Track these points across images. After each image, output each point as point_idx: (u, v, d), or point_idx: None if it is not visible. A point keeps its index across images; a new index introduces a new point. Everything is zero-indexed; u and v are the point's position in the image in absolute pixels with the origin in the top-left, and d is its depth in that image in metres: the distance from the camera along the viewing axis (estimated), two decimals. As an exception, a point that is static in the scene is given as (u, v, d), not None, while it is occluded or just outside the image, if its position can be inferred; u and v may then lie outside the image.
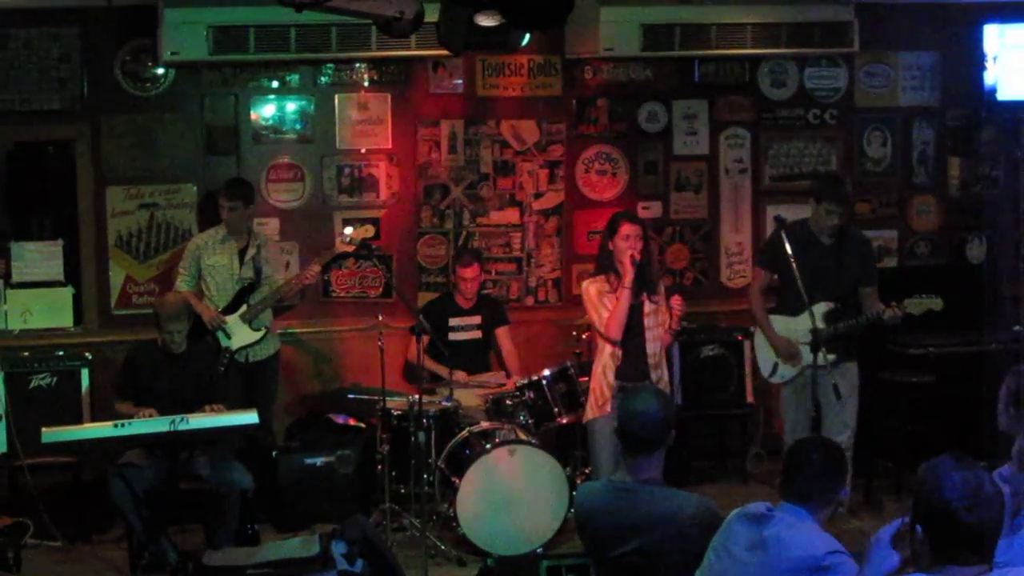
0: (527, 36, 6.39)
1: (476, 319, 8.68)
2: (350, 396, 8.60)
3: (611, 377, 7.31)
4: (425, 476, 7.70)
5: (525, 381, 8.11)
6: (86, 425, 7.55)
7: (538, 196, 9.44)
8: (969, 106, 9.85)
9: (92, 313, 8.91)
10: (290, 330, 8.98)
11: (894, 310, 7.53)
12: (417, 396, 7.62)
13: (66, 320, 8.82)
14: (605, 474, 7.12)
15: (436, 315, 8.56)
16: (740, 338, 9.09)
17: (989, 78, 9.35)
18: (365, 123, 9.17)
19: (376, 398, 7.95)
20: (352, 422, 8.71)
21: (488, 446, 7.60)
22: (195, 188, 8.96)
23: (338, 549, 6.17)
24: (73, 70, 8.73)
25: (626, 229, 7.26)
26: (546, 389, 8.04)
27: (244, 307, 8.32)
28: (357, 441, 8.40)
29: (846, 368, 7.65)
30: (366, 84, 9.15)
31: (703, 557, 4.39)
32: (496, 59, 9.26)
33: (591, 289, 7.40)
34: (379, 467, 7.90)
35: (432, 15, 5.82)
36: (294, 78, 9.08)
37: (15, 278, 8.72)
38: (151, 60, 8.77)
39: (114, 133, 8.85)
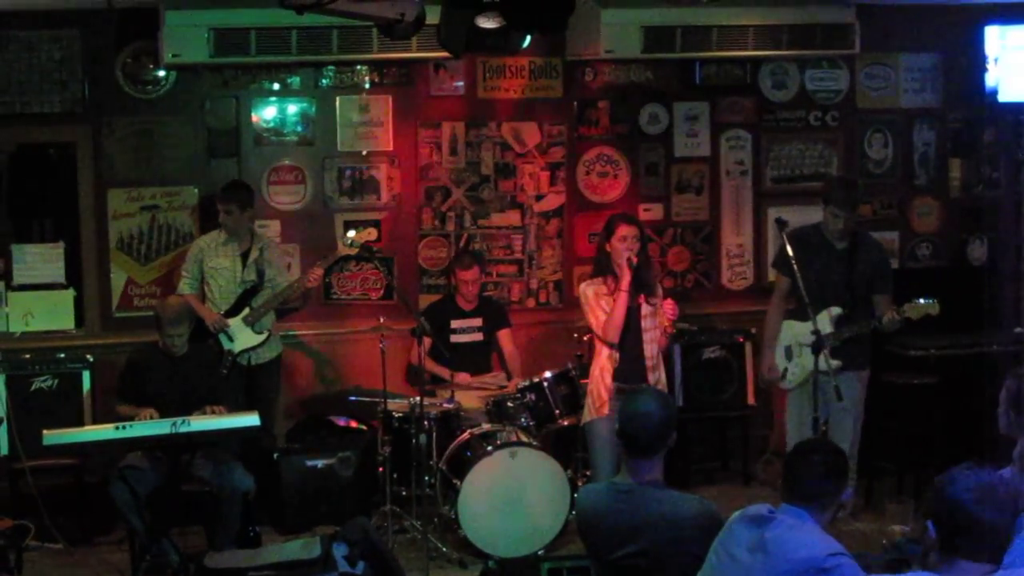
0: (528, 38, 6.40)
1: (477, 321, 8.68)
2: (351, 398, 8.61)
3: (609, 379, 7.30)
4: (426, 478, 7.70)
5: (526, 383, 8.11)
6: (87, 427, 7.55)
7: (539, 198, 9.44)
8: (970, 108, 9.85)
9: (93, 315, 8.91)
10: (292, 332, 8.99)
11: (892, 316, 7.49)
12: (418, 398, 7.62)
13: (67, 322, 8.82)
14: (605, 476, 7.15)
15: (438, 317, 8.56)
16: (741, 340, 9.10)
17: (990, 79, 9.37)
18: (366, 125, 9.17)
19: (377, 400, 7.96)
20: (353, 424, 8.71)
21: (489, 448, 7.60)
22: (196, 190, 8.96)
23: (339, 551, 6.18)
24: (74, 72, 8.73)
25: (623, 231, 7.25)
26: (547, 391, 8.05)
27: (247, 310, 8.32)
28: (358, 443, 8.40)
29: (852, 376, 7.57)
30: (367, 86, 9.16)
31: (704, 559, 4.39)
32: (497, 61, 9.26)
33: (588, 291, 7.40)
34: (380, 469, 7.90)
35: (433, 17, 5.83)
36: (295, 80, 9.08)
37: (16, 280, 8.72)
38: (152, 62, 8.77)
39: (115, 135, 8.86)
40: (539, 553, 7.51)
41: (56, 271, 8.77)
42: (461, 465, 7.67)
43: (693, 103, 9.62)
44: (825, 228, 7.76)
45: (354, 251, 8.39)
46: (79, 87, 8.75)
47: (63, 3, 8.49)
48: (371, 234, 8.49)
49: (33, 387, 8.27)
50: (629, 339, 7.30)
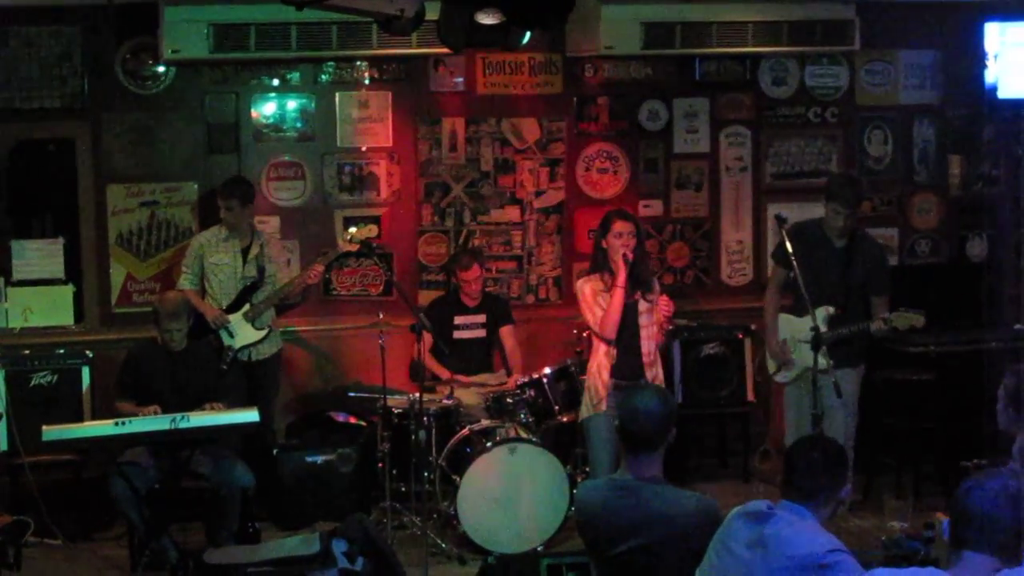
0: (528, 34, 6.38)
1: (481, 318, 8.68)
2: (351, 394, 8.61)
3: (606, 376, 7.32)
4: (426, 474, 7.70)
5: (526, 379, 8.11)
6: (87, 423, 7.55)
7: (539, 194, 9.44)
8: (970, 104, 9.84)
9: (93, 311, 8.91)
10: (291, 328, 8.98)
11: (880, 323, 7.50)
12: (418, 394, 7.62)
13: (67, 318, 8.82)
14: (603, 471, 7.17)
15: (442, 313, 8.56)
16: (741, 336, 9.10)
17: (990, 76, 9.35)
18: (366, 121, 9.17)
19: (377, 396, 7.96)
20: (353, 420, 8.71)
21: (489, 444, 7.61)
22: (196, 186, 8.96)
23: (339, 547, 6.18)
24: (74, 68, 8.73)
25: (618, 227, 7.27)
26: (547, 387, 8.05)
27: (247, 306, 8.32)
28: (358, 439, 8.40)
29: (845, 374, 7.57)
30: (367, 82, 9.15)
31: (703, 555, 4.40)
32: (497, 57, 9.25)
33: (585, 288, 7.42)
34: (380, 465, 7.90)
35: (433, 13, 5.82)
36: (295, 76, 9.08)
37: (16, 276, 8.71)
38: (152, 58, 8.77)
39: (115, 131, 8.85)
40: (538, 549, 7.52)
41: (55, 267, 8.77)
42: (460, 461, 7.68)
43: (693, 99, 9.62)
44: (826, 225, 7.76)
45: (354, 247, 8.39)
46: (79, 83, 8.75)
47: (63, -1, 8.51)
48: (371, 231, 8.48)
49: (32, 383, 8.26)
50: (626, 335, 7.32)
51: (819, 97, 9.79)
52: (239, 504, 7.48)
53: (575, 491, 6.77)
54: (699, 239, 9.72)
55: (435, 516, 7.87)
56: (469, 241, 9.29)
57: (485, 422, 7.89)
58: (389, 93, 9.18)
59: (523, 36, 6.26)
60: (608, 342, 7.32)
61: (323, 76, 9.10)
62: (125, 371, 7.74)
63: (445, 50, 7.13)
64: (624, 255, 7.18)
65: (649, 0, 8.69)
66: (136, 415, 7.24)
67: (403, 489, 7.94)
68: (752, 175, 9.75)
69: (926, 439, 8.51)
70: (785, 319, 7.92)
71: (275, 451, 8.30)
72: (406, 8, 5.55)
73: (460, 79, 9.26)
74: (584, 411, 7.51)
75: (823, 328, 7.37)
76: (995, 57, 9.27)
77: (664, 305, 7.32)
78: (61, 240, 8.79)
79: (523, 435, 7.74)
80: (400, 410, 7.94)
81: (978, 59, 9.39)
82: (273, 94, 9.07)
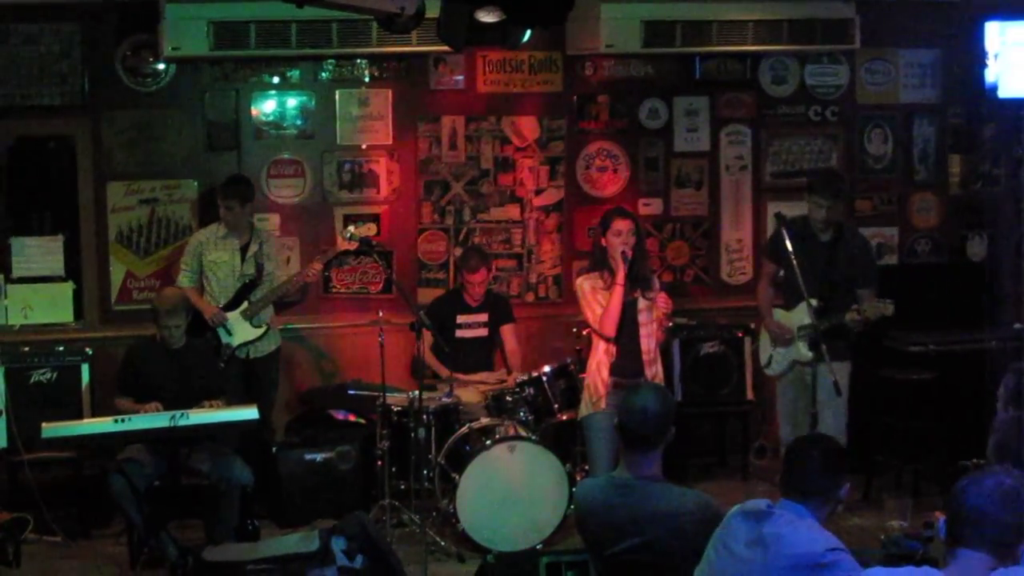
0: (528, 32, 6.38)
1: (483, 317, 8.67)
2: (350, 392, 8.61)
3: (605, 373, 7.33)
4: (425, 472, 7.71)
5: (525, 377, 8.11)
6: (86, 420, 7.56)
7: (539, 192, 9.44)
8: (970, 103, 9.84)
9: (92, 308, 8.91)
10: (291, 326, 8.98)
11: (854, 315, 7.55)
12: (417, 392, 7.62)
13: (66, 315, 8.82)
14: (602, 469, 7.17)
15: (444, 312, 8.56)
16: (740, 335, 9.11)
17: (990, 75, 9.34)
18: (366, 119, 9.17)
19: (376, 394, 7.96)
20: (352, 418, 8.71)
21: (488, 442, 7.60)
22: (196, 184, 8.96)
23: (338, 545, 6.18)
24: (74, 65, 8.73)
25: (618, 225, 7.28)
26: (546, 385, 8.05)
27: (245, 304, 8.32)
28: (357, 437, 8.40)
29: (838, 367, 7.60)
30: (367, 80, 9.15)
31: (703, 554, 4.40)
32: (497, 55, 9.25)
33: (585, 285, 7.43)
34: (379, 463, 7.89)
35: (433, 11, 5.81)
36: (295, 74, 9.08)
37: (15, 273, 8.72)
38: (152, 55, 8.77)
39: (115, 128, 8.85)
40: (537, 547, 7.51)
41: (55, 264, 8.77)
42: (460, 459, 7.68)
43: (693, 98, 9.62)
44: (811, 219, 7.83)
45: (353, 245, 8.39)
46: (79, 80, 8.75)
47: (63, -4, 8.52)
48: (371, 229, 8.50)
49: (32, 380, 8.27)
50: (625, 333, 7.33)
51: (819, 96, 9.79)
52: (238, 501, 7.47)
53: (574, 489, 6.77)
54: (699, 238, 9.72)
55: (434, 514, 7.87)
56: (469, 239, 9.28)
57: (484, 420, 7.89)
58: (389, 91, 9.18)
59: (523, 34, 6.26)
60: (607, 339, 7.32)
61: (323, 74, 9.10)
62: (124, 369, 7.74)
63: (445, 48, 7.13)
64: (623, 252, 7.19)
65: (649, -2, 8.71)
66: (136, 412, 7.24)
67: (402, 487, 7.93)
68: (752, 174, 9.76)
69: (926, 438, 8.50)
70: (776, 314, 8.01)
71: (274, 449, 8.30)
72: (406, 6, 5.54)
73: (460, 77, 9.26)
74: (583, 409, 7.51)
75: (808, 320, 7.45)
76: (995, 56, 9.27)
77: (663, 302, 7.33)
78: (61, 237, 8.79)
79: (523, 433, 7.74)
80: (400, 408, 7.94)
81: (978, 58, 9.38)
82: (273, 92, 9.08)
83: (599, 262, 7.40)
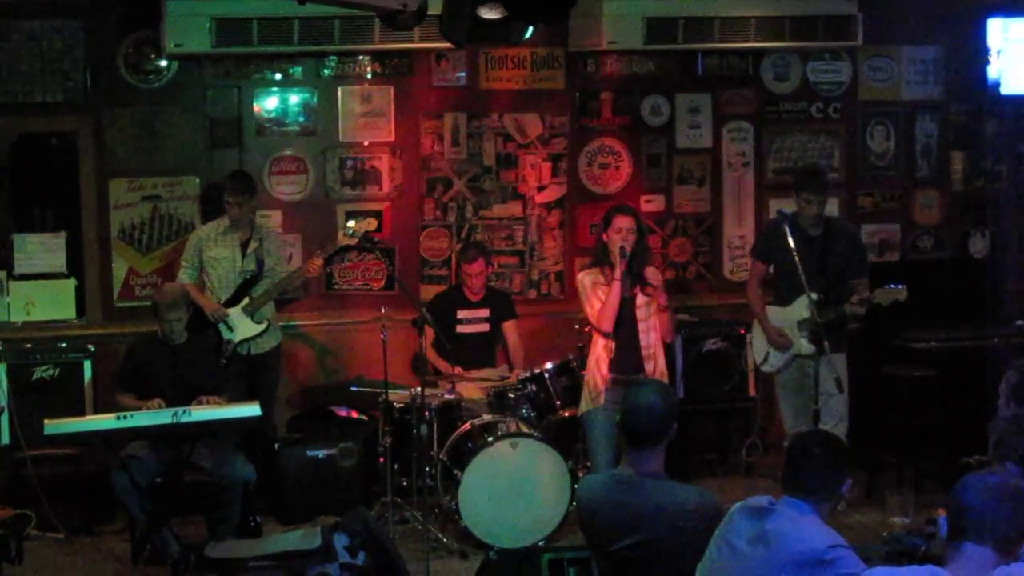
0: (530, 29, 6.38)
1: (484, 312, 8.67)
2: (353, 389, 8.61)
3: (604, 369, 7.37)
4: (427, 469, 7.70)
5: (527, 374, 8.12)
6: (88, 417, 7.54)
7: (541, 189, 9.44)
8: (973, 100, 9.85)
9: (95, 305, 8.92)
10: (293, 323, 8.99)
11: (853, 304, 7.62)
12: (419, 389, 7.63)
13: (69, 312, 8.83)
14: (602, 465, 7.21)
15: (444, 308, 8.56)
16: (742, 331, 9.09)
17: (993, 72, 9.37)
18: (368, 116, 9.17)
19: (379, 391, 7.96)
20: (354, 415, 8.72)
21: (490, 439, 7.61)
22: (198, 180, 8.97)
23: (340, 542, 6.18)
24: (76, 62, 8.73)
25: (619, 222, 7.33)
26: (548, 382, 8.06)
27: (246, 300, 8.32)
28: (359, 434, 8.40)
29: (837, 358, 7.64)
30: (369, 77, 9.15)
31: (704, 550, 4.40)
32: (499, 52, 9.25)
33: (586, 280, 7.49)
34: (381, 460, 7.90)
35: (435, 8, 5.81)
36: (297, 71, 9.08)
37: (18, 270, 8.73)
38: (154, 52, 8.78)
39: (117, 125, 8.86)
40: (540, 544, 7.52)
41: (57, 261, 8.78)
42: (462, 456, 7.68)
43: (695, 95, 9.62)
44: (799, 216, 7.85)
45: (353, 241, 8.39)
46: (81, 77, 8.75)
47: (65, -7, 8.52)
48: (370, 224, 8.49)
49: (34, 376, 8.27)
50: (624, 329, 7.37)
51: (821, 93, 9.79)
52: (240, 498, 7.48)
53: (576, 486, 6.79)
54: (701, 234, 9.72)
55: (436, 511, 7.88)
56: (471, 236, 9.29)
57: (487, 417, 7.89)
58: (391, 88, 9.18)
59: (525, 31, 6.26)
60: (606, 335, 7.35)
61: (325, 71, 9.10)
62: (125, 365, 7.74)
63: (447, 45, 7.14)
64: (621, 248, 7.23)
65: (651, -5, 8.71)
66: (138, 408, 7.24)
67: (404, 484, 7.94)
68: (754, 170, 9.75)
69: (928, 435, 8.50)
70: (770, 310, 8.07)
71: (277, 445, 8.30)
72: (408, 3, 5.54)
73: (462, 74, 9.26)
74: (583, 405, 7.55)
75: (807, 315, 7.47)
76: (998, 53, 9.28)
77: (652, 277, 7.36)
78: (63, 234, 8.81)
79: (525, 430, 7.74)
80: (402, 405, 7.94)
81: (981, 55, 9.39)
82: (275, 88, 9.08)
83: (600, 258, 7.44)
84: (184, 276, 8.38)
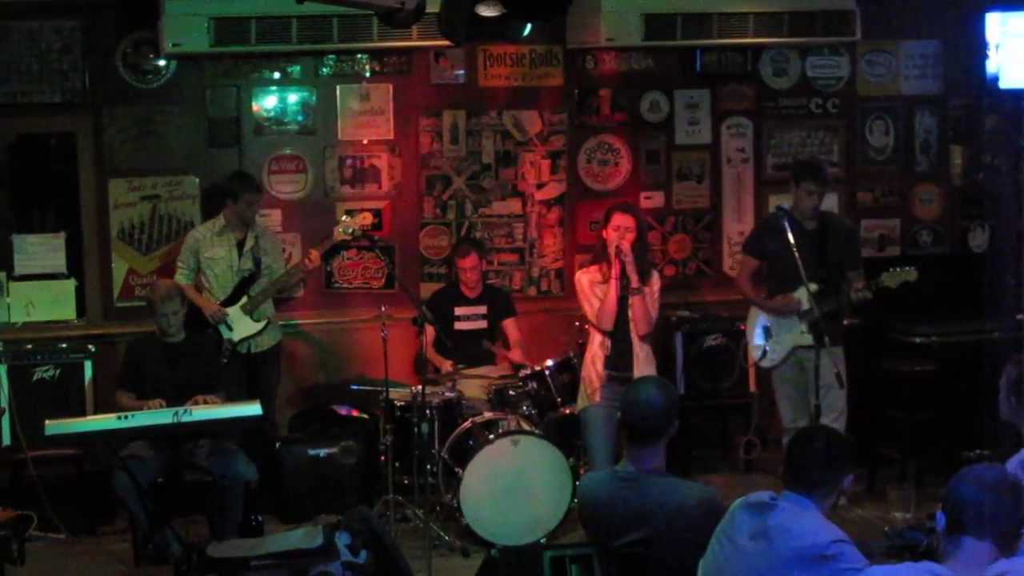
0: (528, 26, 6.38)
1: (482, 309, 8.68)
2: (353, 387, 8.62)
3: (600, 367, 7.46)
4: (428, 467, 7.70)
5: (528, 371, 8.12)
6: (89, 417, 7.53)
7: (540, 186, 9.44)
8: (971, 94, 9.84)
9: (95, 305, 8.91)
10: (293, 321, 8.99)
11: (857, 291, 7.66)
12: (420, 387, 7.63)
13: (69, 312, 8.82)
14: (600, 462, 7.24)
15: (441, 305, 8.57)
16: (742, 327, 9.08)
17: (991, 66, 9.35)
18: (367, 114, 9.17)
19: (379, 389, 7.96)
20: (355, 413, 8.72)
21: (491, 436, 7.61)
22: (197, 180, 8.96)
23: (342, 540, 6.18)
24: (74, 62, 8.72)
25: (617, 220, 7.43)
26: (549, 379, 8.06)
27: (245, 299, 8.32)
28: (360, 432, 8.41)
29: (832, 352, 7.65)
30: (367, 75, 9.15)
31: (706, 546, 4.40)
32: (498, 49, 9.25)
33: (583, 279, 7.60)
34: (382, 458, 7.91)
35: (433, 5, 5.81)
36: (295, 69, 9.07)
37: (18, 271, 8.71)
38: (152, 52, 8.77)
39: (116, 125, 8.85)
40: (541, 541, 7.52)
41: (57, 261, 8.77)
42: (463, 453, 7.68)
43: (694, 91, 9.62)
44: (796, 209, 7.85)
45: (350, 236, 8.40)
46: (79, 77, 8.74)
47: (63, -7, 8.51)
48: (366, 218, 8.48)
49: (35, 377, 8.27)
50: (619, 327, 7.41)
51: (820, 88, 9.79)
52: (242, 497, 7.48)
53: (578, 483, 6.79)
54: (701, 230, 9.72)
55: (438, 509, 7.88)
56: (471, 234, 9.28)
57: (487, 414, 7.90)
58: (390, 86, 9.18)
59: (524, 28, 6.27)
60: (604, 333, 7.40)
61: (324, 69, 9.10)
62: (125, 365, 7.75)
63: (446, 42, 7.14)
64: (617, 247, 7.28)
65: (650, -9, 8.70)
66: (139, 408, 7.24)
67: (406, 482, 7.94)
68: (754, 166, 9.75)
69: (928, 430, 8.51)
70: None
71: (278, 444, 8.31)
72: (406, 1, 5.54)
73: (461, 71, 9.26)
74: (580, 402, 7.62)
75: (807, 306, 7.48)
76: (996, 47, 9.27)
77: (623, 248, 7.38)
78: (63, 234, 8.79)
79: (526, 427, 7.75)
80: (402, 403, 7.94)
81: (979, 49, 9.38)
82: (274, 87, 9.07)
83: (600, 255, 7.50)
84: (181, 277, 8.37)
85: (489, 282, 8.99)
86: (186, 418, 6.95)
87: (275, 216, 9.04)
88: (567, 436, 8.17)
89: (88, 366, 8.34)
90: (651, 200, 9.56)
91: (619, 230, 7.37)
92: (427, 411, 7.71)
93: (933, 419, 8.49)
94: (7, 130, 8.73)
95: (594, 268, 7.55)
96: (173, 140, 8.94)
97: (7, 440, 8.03)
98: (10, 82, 8.64)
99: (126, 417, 6.97)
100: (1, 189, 8.75)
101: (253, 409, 7.18)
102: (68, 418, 7.19)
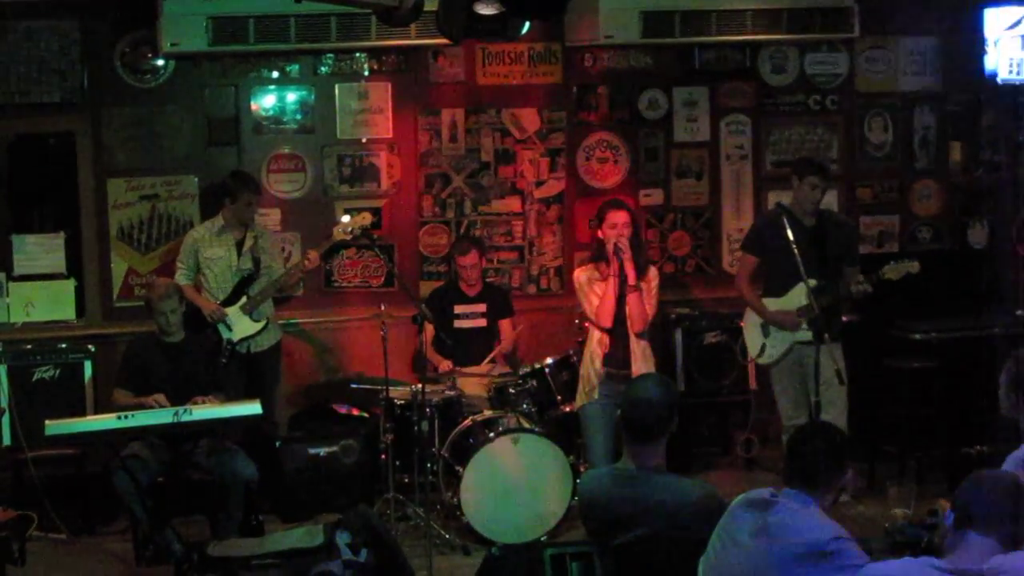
0: (527, 24, 6.39)
1: (481, 307, 8.68)
2: (353, 386, 8.62)
3: (598, 364, 7.48)
4: (429, 465, 7.70)
5: (528, 369, 8.12)
6: (89, 417, 7.55)
7: (539, 184, 9.44)
8: (970, 90, 9.83)
9: (94, 305, 8.91)
10: (293, 320, 8.99)
11: (858, 285, 7.64)
12: (420, 385, 7.63)
13: (68, 312, 8.82)
14: (599, 459, 7.25)
15: (440, 302, 8.57)
16: (742, 324, 9.09)
17: (990, 62, 9.34)
18: (365, 113, 9.17)
19: (379, 388, 7.96)
20: (355, 412, 8.72)
21: (491, 435, 7.61)
22: (196, 179, 8.96)
23: (343, 539, 6.18)
24: (73, 62, 8.72)
25: (612, 217, 7.45)
26: (549, 377, 8.06)
27: (244, 298, 8.31)
28: (360, 431, 8.41)
29: (836, 347, 7.65)
30: (366, 73, 9.15)
31: (707, 544, 4.40)
32: (496, 47, 9.24)
33: (582, 277, 7.62)
34: (383, 457, 7.91)
35: (432, 4, 5.82)
36: (294, 68, 9.07)
37: (17, 271, 8.72)
38: (151, 51, 8.76)
39: (114, 125, 8.85)
40: (542, 539, 7.52)
41: (56, 261, 8.77)
42: (463, 452, 7.68)
43: (692, 88, 9.61)
44: (796, 205, 7.86)
45: (349, 236, 8.40)
46: (78, 77, 8.74)
47: (61, -7, 8.51)
48: (366, 218, 8.47)
49: (35, 377, 8.28)
50: (619, 325, 7.43)
51: (819, 85, 9.78)
52: (242, 496, 7.48)
53: (578, 480, 6.80)
54: (700, 228, 9.71)
55: (438, 507, 7.88)
56: (470, 232, 9.28)
57: (488, 412, 7.89)
58: (389, 84, 9.18)
59: (522, 26, 6.28)
60: (604, 330, 7.41)
61: (322, 68, 9.09)
62: (124, 365, 7.74)
63: (444, 41, 7.13)
64: (616, 245, 7.29)
65: (648, -12, 8.70)
66: (139, 405, 7.24)
67: (406, 480, 7.94)
68: (752, 163, 9.75)
69: (929, 426, 8.51)
70: (767, 302, 8.04)
71: (278, 443, 8.31)
72: (404, -1, 5.54)
73: (460, 70, 9.25)
74: (579, 400, 7.63)
75: (806, 302, 7.48)
76: (995, 43, 9.26)
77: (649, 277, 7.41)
78: (62, 234, 8.80)
79: (526, 425, 7.75)
80: (403, 401, 7.94)
81: (978, 45, 9.37)
82: (272, 86, 9.07)
83: (598, 254, 7.51)
84: (180, 277, 8.36)
85: (489, 280, 8.98)
86: (186, 418, 6.96)
87: (274, 215, 9.04)
88: (567, 434, 8.17)
89: (88, 366, 8.35)
90: (650, 197, 9.56)
91: (616, 227, 7.39)
92: (427, 409, 7.71)
93: (933, 415, 8.49)
94: (6, 130, 8.73)
95: (591, 266, 7.60)
96: (172, 139, 8.94)
97: (7, 440, 8.03)
98: (9, 82, 8.64)
99: (126, 417, 6.97)
100: (0, 189, 8.75)
101: (253, 408, 7.18)
102: (68, 418, 7.20)
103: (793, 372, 7.96)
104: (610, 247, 7.36)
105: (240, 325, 8.30)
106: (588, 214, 9.31)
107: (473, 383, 8.21)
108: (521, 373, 8.12)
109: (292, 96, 9.10)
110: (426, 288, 9.11)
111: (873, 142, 9.93)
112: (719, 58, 9.60)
